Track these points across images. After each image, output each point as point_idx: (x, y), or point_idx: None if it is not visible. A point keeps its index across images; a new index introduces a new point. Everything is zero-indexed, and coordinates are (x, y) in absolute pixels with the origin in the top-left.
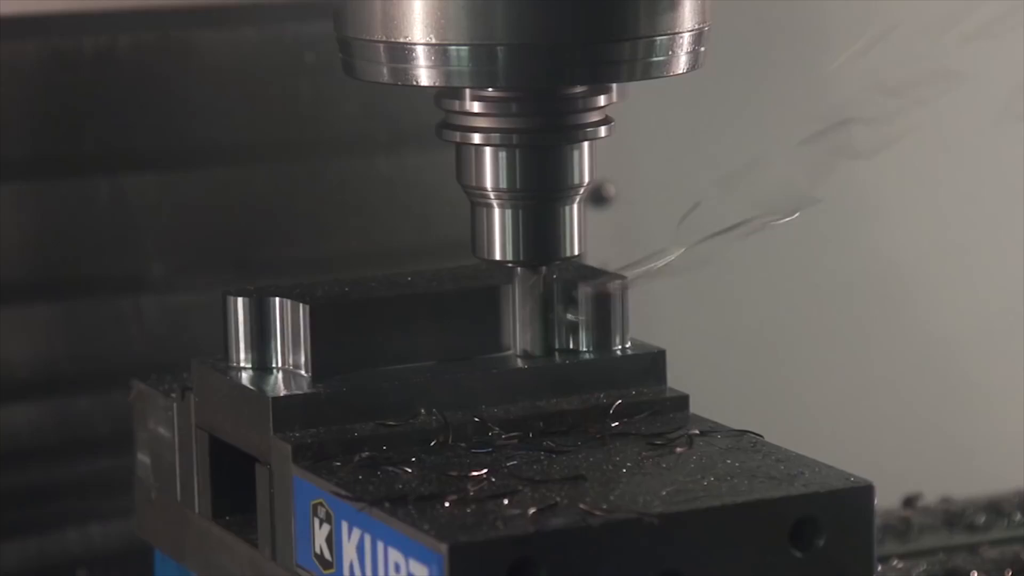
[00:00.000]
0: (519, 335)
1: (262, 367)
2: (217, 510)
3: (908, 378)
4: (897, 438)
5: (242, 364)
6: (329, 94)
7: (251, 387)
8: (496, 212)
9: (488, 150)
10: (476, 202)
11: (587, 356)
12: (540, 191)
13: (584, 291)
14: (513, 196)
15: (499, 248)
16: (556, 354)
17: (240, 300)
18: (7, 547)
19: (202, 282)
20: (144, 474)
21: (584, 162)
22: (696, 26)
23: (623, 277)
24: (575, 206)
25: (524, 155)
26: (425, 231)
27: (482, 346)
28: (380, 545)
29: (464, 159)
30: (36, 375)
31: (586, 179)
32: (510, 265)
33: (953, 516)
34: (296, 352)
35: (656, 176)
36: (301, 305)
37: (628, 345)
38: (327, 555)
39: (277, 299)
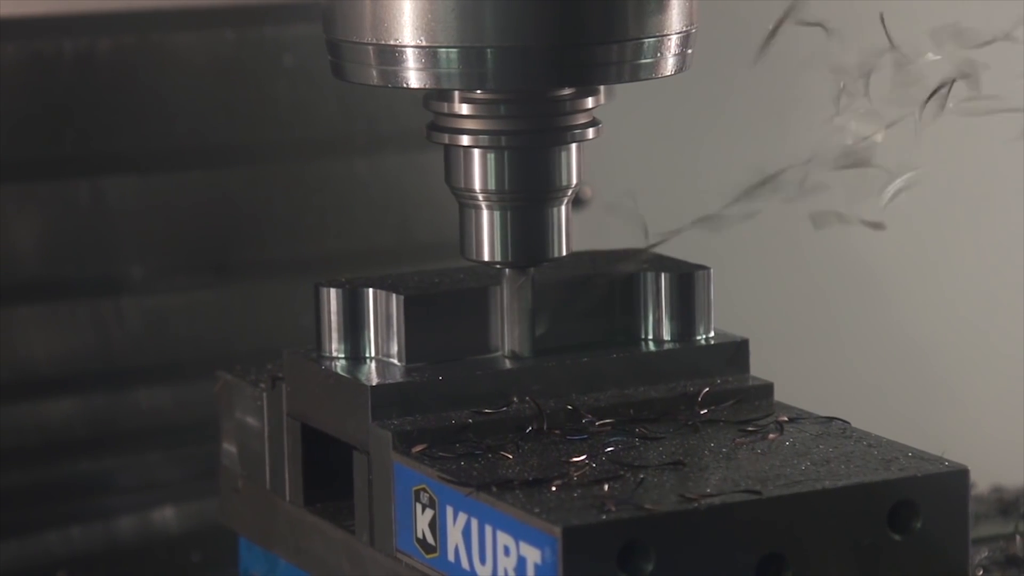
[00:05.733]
0: (507, 336)
1: (355, 357)
2: (309, 497)
3: (950, 369)
4: (944, 428)
5: (334, 354)
6: (308, 96)
7: (347, 376)
8: (484, 214)
9: (476, 152)
10: (464, 204)
11: (672, 346)
12: (528, 193)
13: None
14: (501, 198)
15: (487, 249)
16: (642, 343)
17: (333, 291)
18: None
19: (182, 284)
20: (230, 463)
21: (572, 164)
22: (684, 28)
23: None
24: (563, 207)
25: (512, 157)
26: (404, 232)
27: (561, 335)
28: (488, 529)
29: (453, 161)
30: (16, 377)
31: (574, 181)
32: (498, 267)
33: (1007, 504)
34: (388, 342)
35: (634, 178)
36: (394, 295)
37: (711, 335)
38: (430, 540)
39: (370, 290)
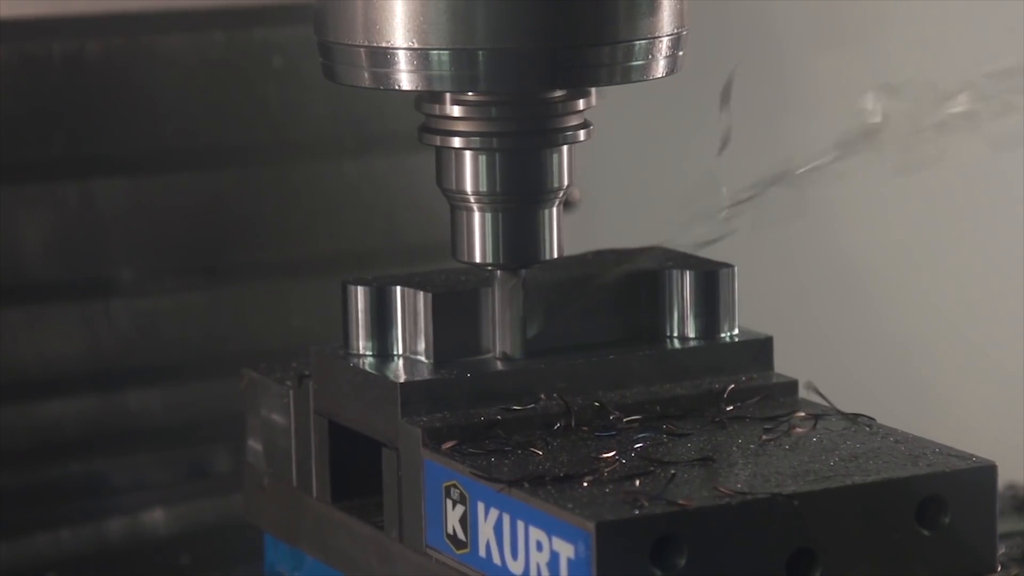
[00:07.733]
0: (498, 338)
1: (382, 354)
2: (336, 494)
3: (962, 367)
4: (954, 426)
5: (362, 352)
6: (296, 98)
7: (376, 373)
8: (476, 215)
9: (468, 154)
10: (456, 205)
11: (697, 343)
12: (520, 195)
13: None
14: (493, 199)
15: (479, 251)
16: (667, 341)
17: (360, 289)
18: None
19: (172, 285)
20: (255, 460)
21: (563, 166)
22: (675, 30)
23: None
24: (554, 209)
25: (504, 159)
26: (392, 234)
27: (586, 333)
28: (520, 524)
29: (444, 163)
30: (5, 379)
31: (565, 182)
32: (490, 268)
33: (1022, 501)
34: (416, 339)
35: (622, 180)
36: (421, 293)
37: (736, 332)
38: (461, 535)
39: (398, 287)
